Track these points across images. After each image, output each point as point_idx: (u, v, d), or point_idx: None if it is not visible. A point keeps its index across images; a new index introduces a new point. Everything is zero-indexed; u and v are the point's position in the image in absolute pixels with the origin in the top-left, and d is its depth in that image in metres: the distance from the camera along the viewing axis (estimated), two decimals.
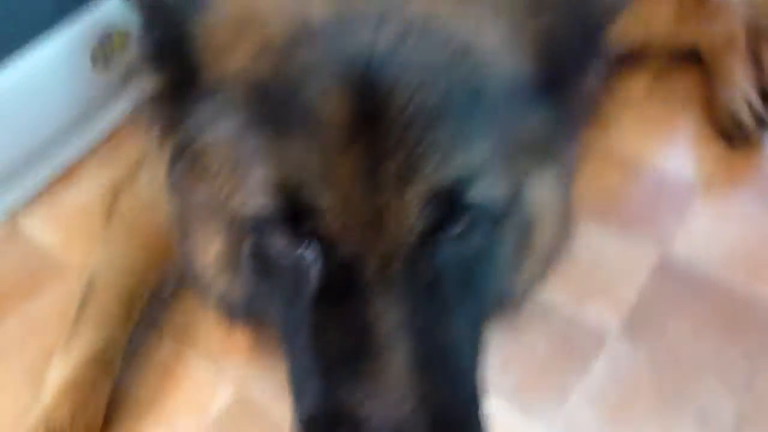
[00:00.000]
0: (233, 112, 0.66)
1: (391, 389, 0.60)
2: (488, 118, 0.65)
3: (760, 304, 1.16)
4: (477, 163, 0.64)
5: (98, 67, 1.48)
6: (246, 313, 0.84)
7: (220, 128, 0.68)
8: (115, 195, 1.22)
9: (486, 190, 0.65)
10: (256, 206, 0.65)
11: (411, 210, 0.62)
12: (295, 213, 0.63)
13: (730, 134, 1.42)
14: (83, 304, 1.08)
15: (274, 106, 0.63)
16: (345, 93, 0.61)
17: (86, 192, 1.42)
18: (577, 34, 0.71)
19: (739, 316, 1.15)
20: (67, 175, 1.45)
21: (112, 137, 1.53)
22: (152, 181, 1.13)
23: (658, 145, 1.44)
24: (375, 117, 0.61)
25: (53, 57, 1.37)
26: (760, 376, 1.08)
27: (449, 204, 0.64)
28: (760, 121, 1.42)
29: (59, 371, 1.02)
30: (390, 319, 0.61)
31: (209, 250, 0.77)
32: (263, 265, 0.71)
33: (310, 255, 0.65)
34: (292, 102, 0.62)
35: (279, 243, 0.66)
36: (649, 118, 1.47)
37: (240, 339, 1.10)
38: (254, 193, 0.65)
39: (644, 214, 1.29)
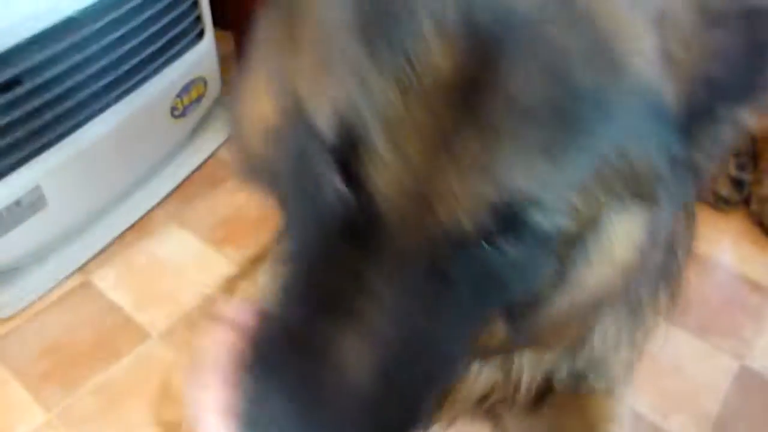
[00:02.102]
0: None
1: (347, 345, 0.55)
2: (599, 132, 0.55)
3: None
4: (562, 183, 0.55)
5: (176, 117, 1.46)
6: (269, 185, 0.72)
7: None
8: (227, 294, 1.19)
9: (555, 217, 0.56)
10: (316, 111, 0.56)
11: (465, 206, 0.54)
12: (348, 144, 0.54)
13: None
14: None
15: (373, 17, 0.54)
16: (456, 42, 0.51)
17: (157, 245, 1.41)
18: (745, 63, 0.59)
19: None
20: (137, 228, 1.43)
21: (180, 190, 1.51)
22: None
23: (723, 242, 1.46)
24: (478, 84, 0.52)
25: (138, 109, 1.35)
26: None
27: (508, 218, 0.55)
28: None
29: None
30: (385, 289, 0.55)
31: (257, 108, 0.68)
32: (299, 154, 0.61)
33: (342, 189, 0.57)
34: (393, 24, 0.53)
35: (317, 158, 0.58)
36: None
37: None
38: (320, 95, 0.56)
39: (721, 318, 1.31)
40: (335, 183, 0.57)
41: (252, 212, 1.46)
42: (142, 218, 1.44)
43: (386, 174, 0.53)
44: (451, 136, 0.52)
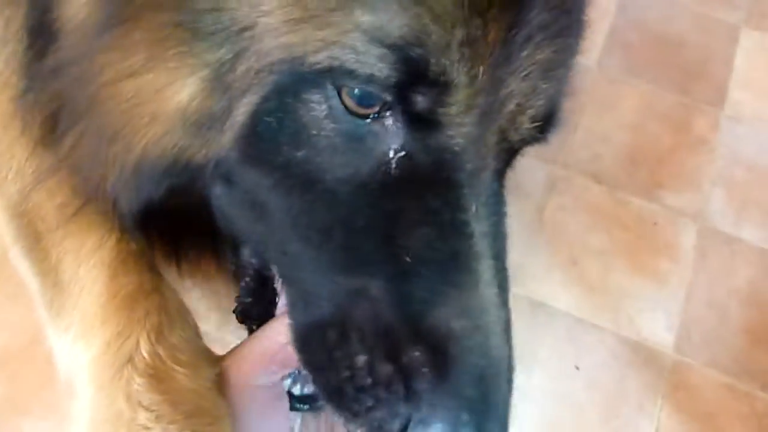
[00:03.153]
0: None
1: (480, 307, 0.51)
2: None
3: None
4: None
5: None
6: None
7: None
8: None
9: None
10: (345, 56, 0.48)
11: (534, 111, 0.53)
12: (411, 78, 0.48)
13: None
14: None
15: None
16: None
17: None
18: None
19: None
20: None
21: None
22: None
23: None
24: None
25: None
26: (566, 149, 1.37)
27: (553, 114, 0.56)
28: None
29: None
30: (482, 226, 0.52)
31: (170, 94, 0.56)
32: (284, 119, 0.54)
33: (389, 124, 0.50)
34: None
35: (338, 102, 0.50)
36: None
37: None
38: (345, 39, 0.49)
39: None
40: (387, 130, 0.51)
41: None
42: None
43: (463, 98, 0.49)
44: (515, 45, 0.50)
